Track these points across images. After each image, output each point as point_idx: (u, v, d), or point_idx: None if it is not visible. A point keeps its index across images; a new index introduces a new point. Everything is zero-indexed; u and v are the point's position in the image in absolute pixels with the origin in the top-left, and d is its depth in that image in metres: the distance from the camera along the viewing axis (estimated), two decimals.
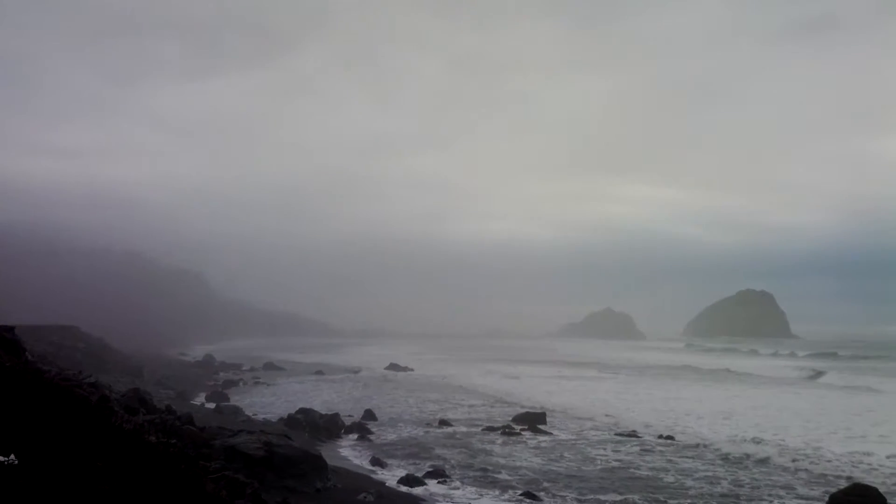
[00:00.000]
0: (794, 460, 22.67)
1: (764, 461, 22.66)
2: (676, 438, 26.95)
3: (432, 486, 19.20)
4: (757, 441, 26.16)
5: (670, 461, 22.99)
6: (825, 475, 20.81)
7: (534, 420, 31.10)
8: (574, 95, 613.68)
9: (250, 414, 31.22)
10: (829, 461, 22.68)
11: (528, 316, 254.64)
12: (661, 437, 27.37)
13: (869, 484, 17.31)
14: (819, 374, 63.53)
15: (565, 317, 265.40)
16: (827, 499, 16.22)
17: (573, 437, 27.85)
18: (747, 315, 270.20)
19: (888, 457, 23.16)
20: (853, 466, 21.99)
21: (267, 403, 37.05)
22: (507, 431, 28.90)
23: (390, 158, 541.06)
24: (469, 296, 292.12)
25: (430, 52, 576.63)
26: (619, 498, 18.37)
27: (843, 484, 18.42)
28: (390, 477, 20.16)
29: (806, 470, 21.43)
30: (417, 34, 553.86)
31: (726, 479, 20.46)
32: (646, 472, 21.38)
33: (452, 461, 22.85)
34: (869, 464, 22.38)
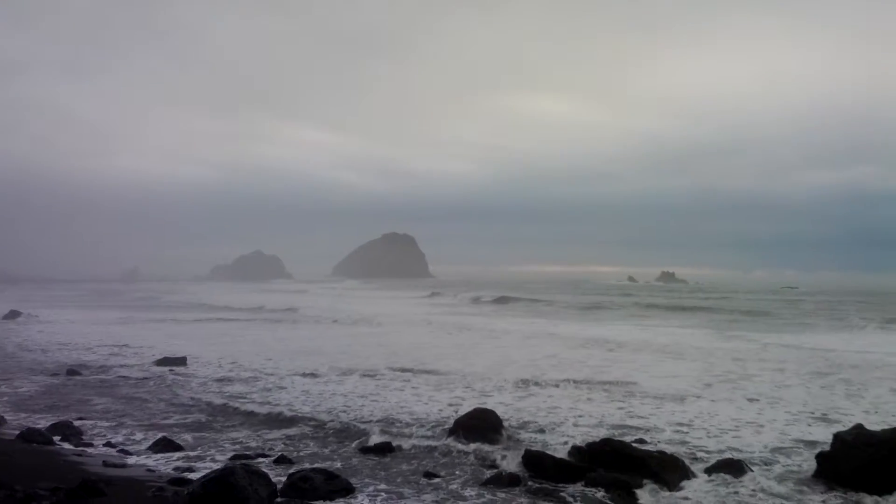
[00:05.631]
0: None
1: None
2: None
3: (60, 440, 16.74)
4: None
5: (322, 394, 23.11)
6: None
7: (174, 363, 29.55)
8: (240, 31, 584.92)
9: None
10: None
11: (175, 259, 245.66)
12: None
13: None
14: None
15: (215, 259, 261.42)
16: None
17: (208, 376, 26.79)
18: (390, 256, 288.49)
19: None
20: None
21: None
22: (148, 376, 26.76)
23: (26, 85, 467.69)
24: (109, 238, 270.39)
25: None
26: (283, 432, 17.86)
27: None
28: (8, 433, 17.22)
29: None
30: None
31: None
32: (307, 408, 21.03)
33: (86, 410, 20.38)
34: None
